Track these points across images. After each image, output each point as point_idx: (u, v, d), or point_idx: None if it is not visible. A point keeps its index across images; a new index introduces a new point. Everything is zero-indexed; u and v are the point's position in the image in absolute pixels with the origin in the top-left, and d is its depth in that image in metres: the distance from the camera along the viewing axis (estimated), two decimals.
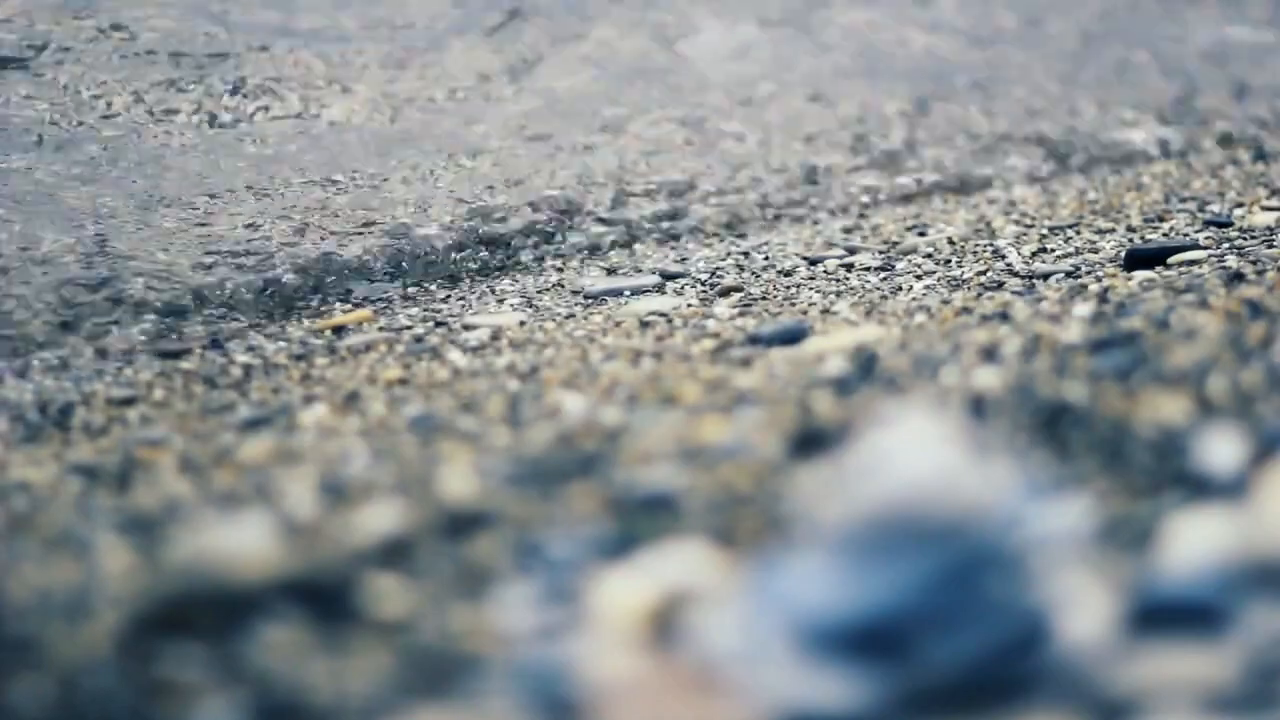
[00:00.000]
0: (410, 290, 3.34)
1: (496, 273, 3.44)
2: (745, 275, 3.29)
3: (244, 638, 1.30)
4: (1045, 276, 2.96)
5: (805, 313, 2.82)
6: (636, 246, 3.68)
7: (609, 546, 1.42)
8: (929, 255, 3.33)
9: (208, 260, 3.30)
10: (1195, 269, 2.79)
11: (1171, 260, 2.93)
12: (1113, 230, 3.39)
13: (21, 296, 3.07)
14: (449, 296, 3.30)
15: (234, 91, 4.11)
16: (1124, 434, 1.64)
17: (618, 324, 2.88)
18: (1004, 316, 2.45)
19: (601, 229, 3.69)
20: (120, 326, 3.02)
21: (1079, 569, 1.18)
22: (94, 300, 3.08)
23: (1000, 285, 2.91)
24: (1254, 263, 2.72)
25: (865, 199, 3.92)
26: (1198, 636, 1.17)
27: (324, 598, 1.36)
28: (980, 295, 2.80)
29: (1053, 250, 3.24)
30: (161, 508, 1.85)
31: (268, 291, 3.24)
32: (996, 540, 1.16)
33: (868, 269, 3.26)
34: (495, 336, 2.87)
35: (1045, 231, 3.45)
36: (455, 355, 2.72)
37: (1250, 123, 4.58)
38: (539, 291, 3.30)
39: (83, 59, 4.29)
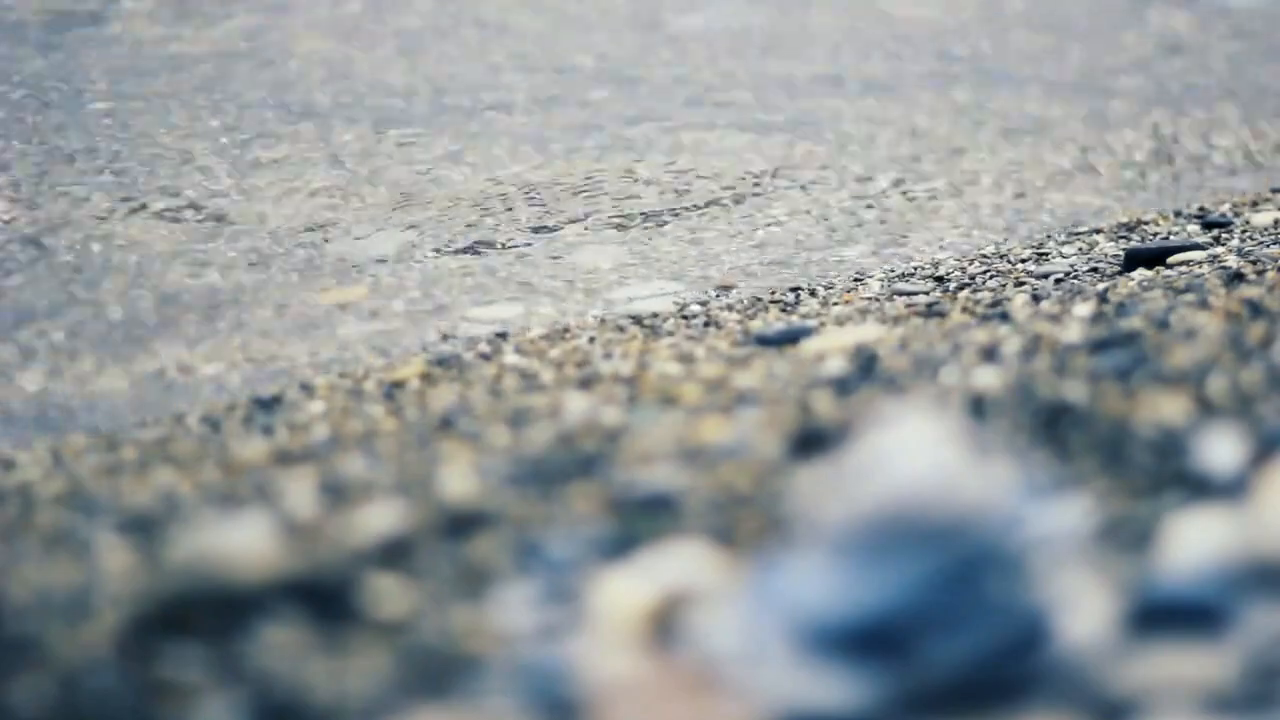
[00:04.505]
0: None
1: None
2: None
3: (244, 638, 1.30)
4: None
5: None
6: None
7: (609, 546, 1.42)
8: None
9: None
10: (1195, 269, 2.79)
11: (1171, 260, 2.93)
12: None
13: None
14: None
15: None
16: (1124, 434, 1.64)
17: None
18: (1004, 316, 2.45)
19: None
20: None
21: (1079, 569, 1.18)
22: None
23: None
24: (1254, 263, 2.72)
25: None
26: (1198, 636, 1.17)
27: (324, 598, 1.36)
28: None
29: None
30: (161, 508, 1.85)
31: None
32: (996, 540, 1.16)
33: None
34: None
35: None
36: None
37: None
38: None
39: None
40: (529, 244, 3.40)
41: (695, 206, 3.61)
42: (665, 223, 3.50)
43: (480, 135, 3.95)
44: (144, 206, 3.48)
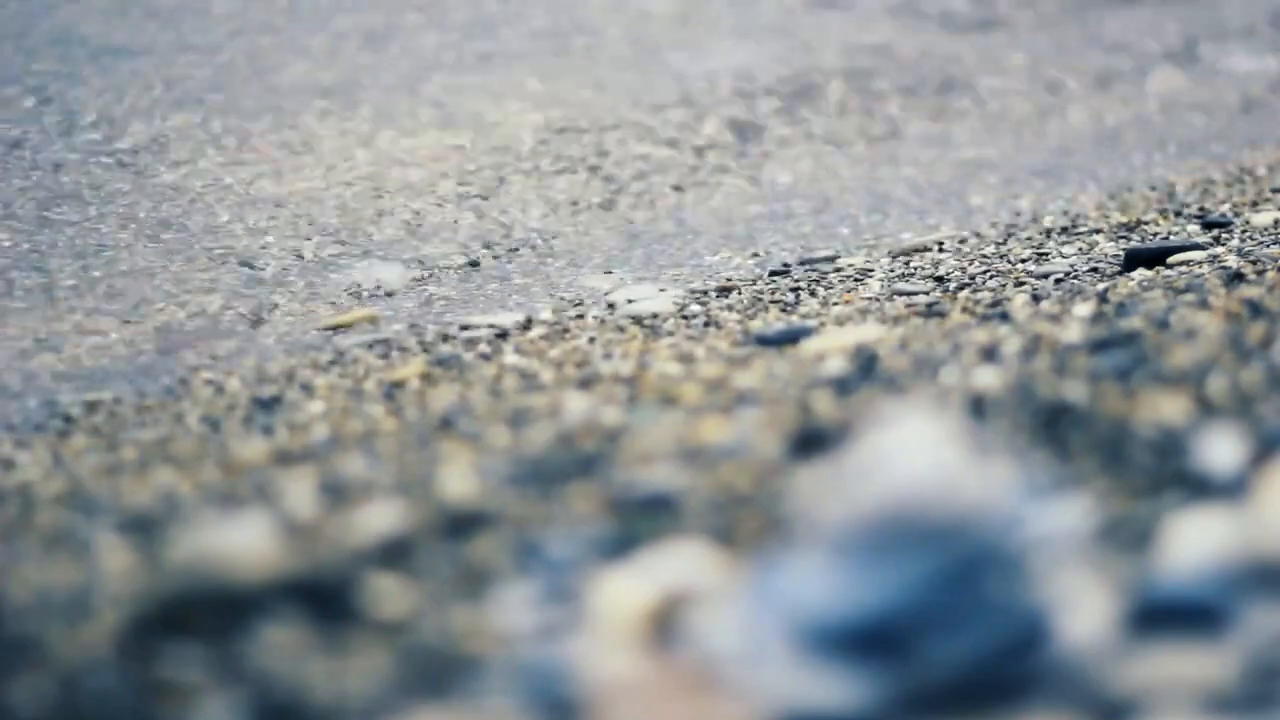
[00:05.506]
0: None
1: None
2: None
3: (244, 638, 1.30)
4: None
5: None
6: None
7: (609, 546, 1.42)
8: None
9: None
10: (1195, 269, 2.79)
11: (1171, 260, 2.92)
12: None
13: None
14: None
15: None
16: (1124, 434, 1.64)
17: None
18: (1004, 316, 2.45)
19: None
20: None
21: (1079, 569, 1.18)
22: None
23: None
24: (1254, 263, 2.72)
25: None
26: (1198, 636, 1.17)
27: (324, 598, 1.36)
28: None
29: None
30: (161, 508, 1.85)
31: None
32: (996, 540, 1.16)
33: None
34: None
35: None
36: None
37: None
38: None
39: None
40: (531, 273, 3.41)
41: (697, 238, 3.61)
42: (664, 252, 3.51)
43: (482, 170, 3.94)
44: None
